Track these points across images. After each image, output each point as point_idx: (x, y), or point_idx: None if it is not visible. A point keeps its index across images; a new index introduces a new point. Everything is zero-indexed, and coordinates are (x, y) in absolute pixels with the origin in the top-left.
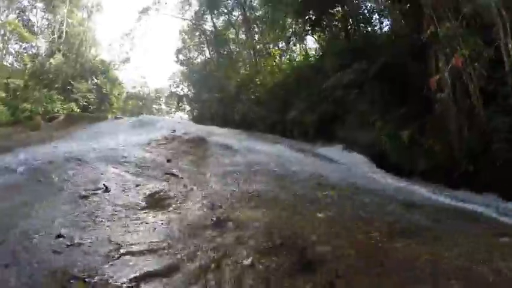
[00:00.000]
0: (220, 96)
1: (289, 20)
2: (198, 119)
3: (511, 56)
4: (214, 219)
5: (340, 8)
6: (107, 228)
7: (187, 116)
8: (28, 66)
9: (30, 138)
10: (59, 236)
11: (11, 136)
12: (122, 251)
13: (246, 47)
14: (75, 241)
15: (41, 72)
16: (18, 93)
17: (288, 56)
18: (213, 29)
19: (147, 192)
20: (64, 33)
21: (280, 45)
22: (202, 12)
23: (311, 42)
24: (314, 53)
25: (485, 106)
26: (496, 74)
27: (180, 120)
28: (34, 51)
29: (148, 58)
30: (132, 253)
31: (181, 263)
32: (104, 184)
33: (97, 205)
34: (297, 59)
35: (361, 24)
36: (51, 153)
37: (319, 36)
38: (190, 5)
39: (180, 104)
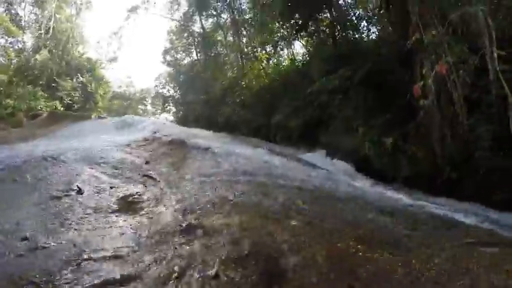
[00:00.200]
0: (205, 99)
1: (278, 24)
2: (183, 121)
3: (495, 64)
4: (184, 225)
5: (328, 14)
6: (74, 231)
7: (172, 117)
8: (13, 61)
9: (11, 135)
10: (25, 238)
11: None
12: (84, 256)
13: (234, 49)
14: (40, 244)
15: (26, 68)
16: (1, 88)
17: (275, 60)
18: (201, 30)
19: (121, 195)
20: (51, 29)
21: (268, 49)
22: (191, 13)
23: (299, 47)
24: (301, 58)
25: (469, 114)
26: (480, 82)
27: (165, 122)
28: (20, 46)
29: (135, 58)
30: (95, 259)
31: (143, 272)
32: (77, 185)
33: (68, 207)
34: (284, 64)
35: (349, 31)
36: (31, 152)
37: (306, 42)
38: (179, 5)
39: (165, 105)
